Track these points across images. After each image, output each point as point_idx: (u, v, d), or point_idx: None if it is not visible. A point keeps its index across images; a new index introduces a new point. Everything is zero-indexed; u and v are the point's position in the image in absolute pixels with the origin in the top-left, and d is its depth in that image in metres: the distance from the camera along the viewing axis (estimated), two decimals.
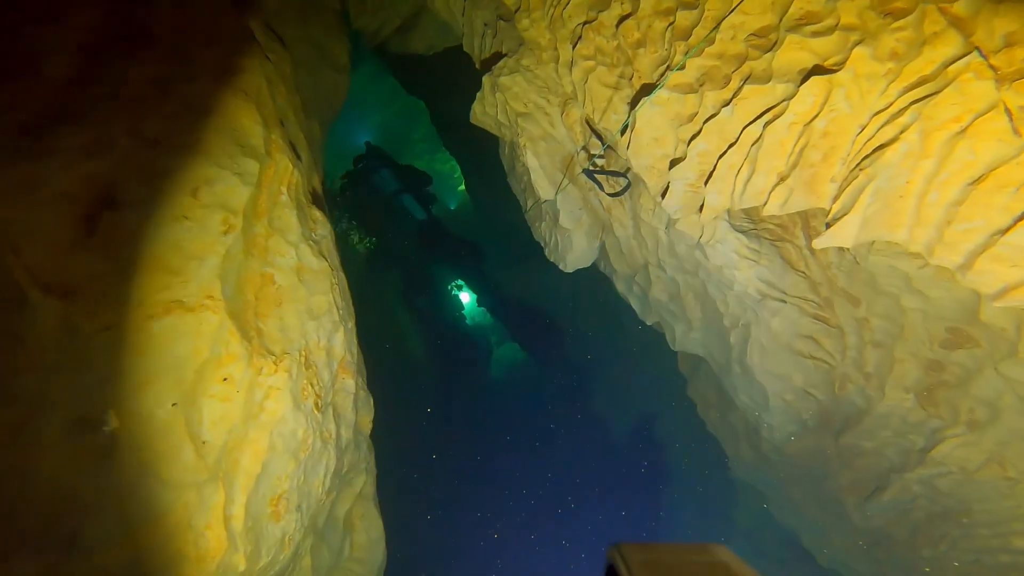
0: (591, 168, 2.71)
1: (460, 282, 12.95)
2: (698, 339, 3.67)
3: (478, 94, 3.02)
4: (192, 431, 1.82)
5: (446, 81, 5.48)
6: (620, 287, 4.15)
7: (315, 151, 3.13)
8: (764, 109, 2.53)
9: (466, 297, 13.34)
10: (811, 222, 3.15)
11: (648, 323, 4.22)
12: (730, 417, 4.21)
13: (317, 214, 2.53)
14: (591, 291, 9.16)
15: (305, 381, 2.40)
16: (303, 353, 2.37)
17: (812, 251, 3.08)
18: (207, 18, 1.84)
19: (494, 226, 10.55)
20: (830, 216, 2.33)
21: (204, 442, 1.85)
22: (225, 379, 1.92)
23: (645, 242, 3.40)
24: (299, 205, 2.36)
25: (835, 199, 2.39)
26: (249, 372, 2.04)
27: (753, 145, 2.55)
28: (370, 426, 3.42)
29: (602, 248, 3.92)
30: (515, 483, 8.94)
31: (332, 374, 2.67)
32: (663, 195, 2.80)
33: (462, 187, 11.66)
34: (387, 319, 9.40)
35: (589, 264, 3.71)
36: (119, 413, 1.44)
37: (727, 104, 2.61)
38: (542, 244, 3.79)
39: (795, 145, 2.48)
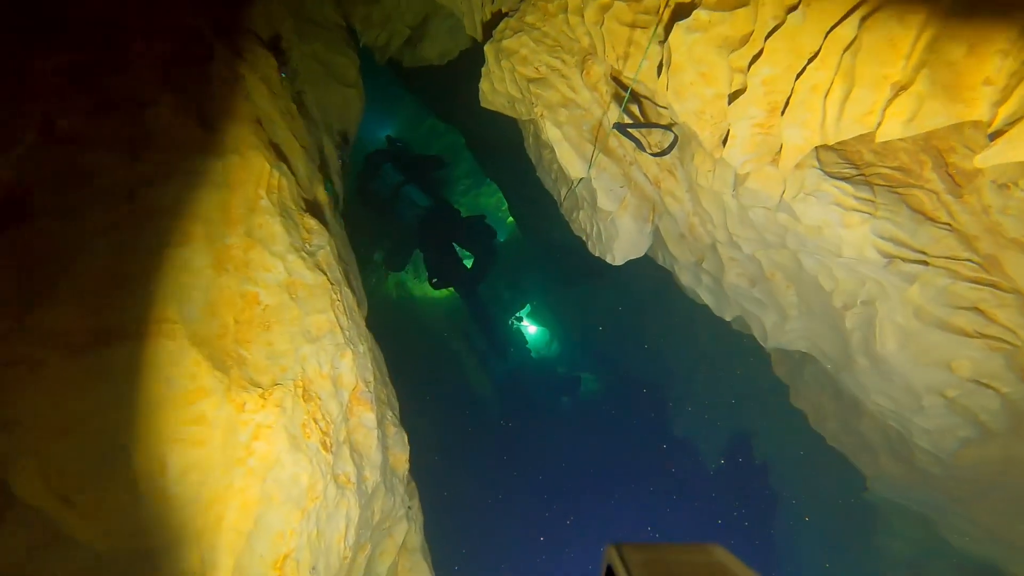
0: (623, 123, 2.17)
1: (521, 313, 12.43)
2: (798, 330, 2.85)
3: (483, 70, 2.64)
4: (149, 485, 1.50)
5: (468, 96, 5.26)
6: (685, 279, 3.45)
7: (323, 164, 2.92)
8: (854, 3, 1.88)
9: (532, 328, 12.79)
10: (947, 158, 2.32)
11: (727, 319, 3.46)
12: (859, 426, 3.24)
13: (312, 223, 2.23)
14: (653, 298, 8.29)
15: (306, 416, 2.03)
16: (300, 383, 2.02)
17: (956, 195, 2.25)
18: (142, 8, 1.66)
19: (543, 250, 10.11)
20: (996, 124, 1.59)
21: (169, 497, 1.52)
22: (194, 420, 1.60)
23: (709, 215, 2.74)
24: (285, 211, 2.06)
25: (998, 104, 1.64)
26: (227, 408, 1.71)
27: (846, 52, 1.88)
28: (405, 466, 2.98)
29: (656, 235, 3.28)
30: (600, 527, 8.02)
31: (343, 406, 2.29)
32: (724, 144, 2.18)
33: (511, 219, 11.41)
34: (438, 349, 9.12)
35: (642, 254, 3.08)
36: (20, 471, 1.13)
37: (794, 8, 1.98)
38: (583, 238, 3.24)
39: (916, 41, 1.78)
